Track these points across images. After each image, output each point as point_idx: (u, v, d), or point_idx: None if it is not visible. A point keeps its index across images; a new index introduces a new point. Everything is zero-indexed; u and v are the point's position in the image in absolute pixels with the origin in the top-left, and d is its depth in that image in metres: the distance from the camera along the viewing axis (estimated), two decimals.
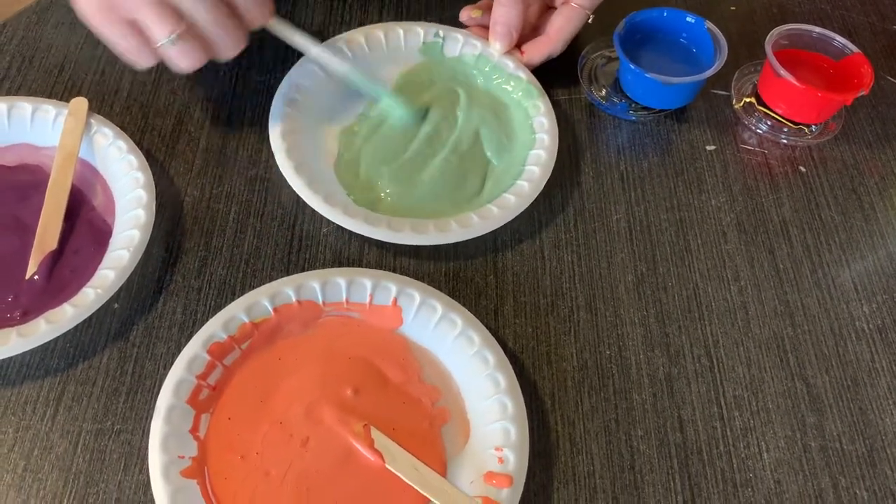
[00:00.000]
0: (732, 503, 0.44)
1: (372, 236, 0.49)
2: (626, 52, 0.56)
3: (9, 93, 0.55)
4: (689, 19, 0.59)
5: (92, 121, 0.51)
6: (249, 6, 0.47)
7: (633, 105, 0.59)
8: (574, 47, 0.62)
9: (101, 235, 0.49)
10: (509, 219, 0.50)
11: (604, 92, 0.60)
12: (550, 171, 0.52)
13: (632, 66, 0.56)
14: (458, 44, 0.58)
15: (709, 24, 0.58)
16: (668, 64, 0.59)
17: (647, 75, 0.55)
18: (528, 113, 0.55)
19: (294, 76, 0.54)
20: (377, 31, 0.57)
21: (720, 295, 0.51)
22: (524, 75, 0.56)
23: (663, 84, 0.56)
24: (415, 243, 0.49)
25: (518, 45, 0.58)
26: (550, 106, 0.55)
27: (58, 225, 0.48)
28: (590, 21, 0.57)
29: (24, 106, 0.52)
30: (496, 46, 0.56)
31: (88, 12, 0.45)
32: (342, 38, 0.57)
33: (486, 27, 0.57)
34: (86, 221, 0.50)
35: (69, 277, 0.47)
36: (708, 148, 0.58)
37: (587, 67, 0.61)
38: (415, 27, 0.58)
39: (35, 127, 0.52)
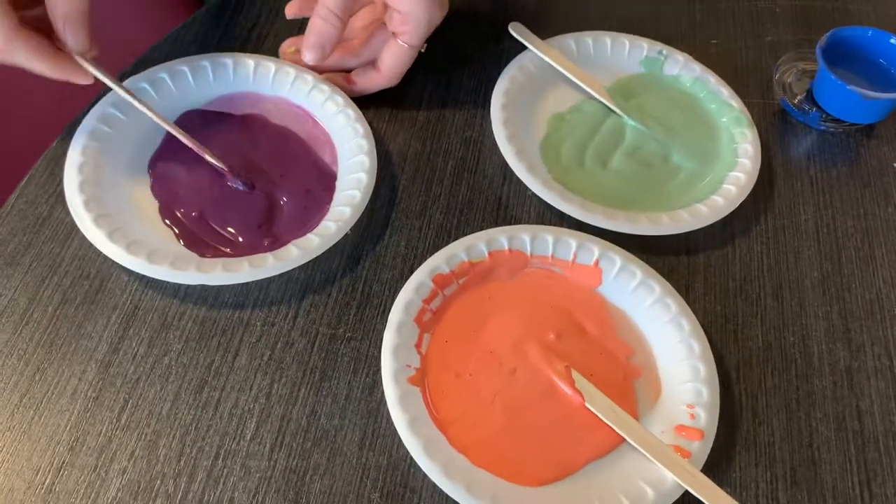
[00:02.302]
0: None
1: (567, 212, 0.53)
2: (825, 65, 0.59)
3: (259, 37, 0.62)
4: (892, 41, 0.61)
5: (324, 86, 0.57)
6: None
7: (824, 116, 0.62)
8: (769, 56, 0.65)
9: (329, 180, 0.55)
10: (696, 227, 0.53)
11: (797, 100, 0.63)
12: (746, 194, 0.55)
13: (832, 77, 0.58)
14: (677, 65, 0.62)
15: None
16: (862, 83, 0.61)
17: (848, 87, 0.58)
18: (734, 139, 0.58)
19: (523, 59, 0.60)
20: (605, 38, 0.62)
21: None
22: (736, 104, 0.59)
23: (862, 98, 0.58)
24: (604, 227, 0.53)
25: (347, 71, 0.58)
26: (757, 136, 0.58)
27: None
28: (422, 51, 0.58)
29: (248, 62, 0.58)
30: (306, 56, 0.54)
31: None
32: (571, 37, 0.62)
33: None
34: (315, 167, 0.56)
35: (304, 214, 0.53)
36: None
37: (782, 77, 0.64)
38: (640, 41, 0.62)
39: (257, 79, 0.58)
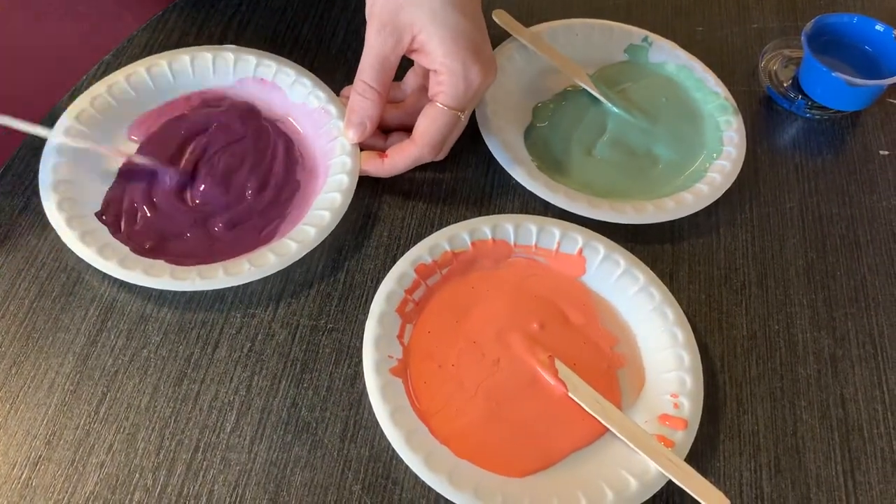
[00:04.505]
0: (891, 481, 0.45)
1: (551, 201, 0.53)
2: (811, 52, 0.59)
3: (240, 24, 0.61)
4: (878, 27, 0.61)
5: (321, 92, 0.55)
6: None
7: (810, 103, 0.61)
8: (754, 43, 0.65)
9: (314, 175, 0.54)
10: (683, 215, 0.53)
11: (782, 88, 0.62)
12: (731, 182, 0.54)
13: (818, 64, 0.58)
14: (662, 52, 0.62)
15: None
16: (848, 70, 0.61)
17: (833, 74, 0.58)
18: (719, 126, 0.58)
19: (507, 47, 0.60)
20: (590, 25, 0.62)
21: (887, 290, 0.53)
22: (721, 92, 0.59)
23: (846, 84, 0.58)
24: (588, 216, 0.52)
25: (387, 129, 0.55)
26: (743, 124, 0.57)
27: None
28: (463, 119, 0.51)
29: (250, 59, 0.56)
30: (348, 136, 0.52)
31: None
32: (555, 24, 0.61)
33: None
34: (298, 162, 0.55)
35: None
36: (882, 152, 0.60)
37: (767, 64, 0.63)
38: (625, 29, 0.62)
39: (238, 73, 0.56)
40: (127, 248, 0.48)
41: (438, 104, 0.50)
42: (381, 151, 0.53)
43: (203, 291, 0.49)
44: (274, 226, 0.51)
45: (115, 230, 0.49)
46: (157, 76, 0.55)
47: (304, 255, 0.48)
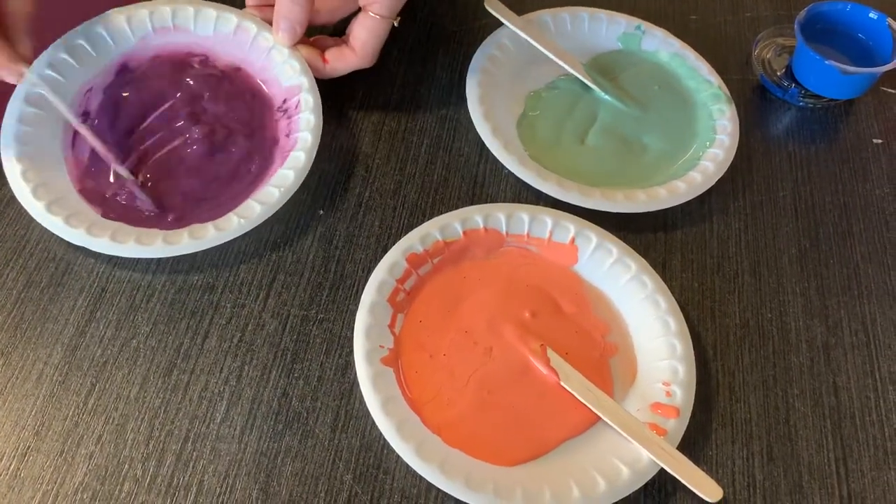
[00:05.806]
0: (883, 469, 0.45)
1: (543, 190, 0.52)
2: (804, 40, 0.58)
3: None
4: (871, 15, 0.60)
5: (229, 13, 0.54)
6: None
7: (803, 92, 0.61)
8: (748, 32, 0.65)
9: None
10: (675, 203, 0.53)
11: (776, 76, 0.62)
12: (724, 171, 0.54)
13: (811, 52, 0.58)
14: (656, 41, 0.61)
15: (891, 21, 0.60)
16: (841, 58, 0.60)
17: (826, 62, 0.57)
18: (712, 115, 0.58)
19: (500, 36, 0.59)
20: (582, 14, 0.61)
21: (880, 278, 0.53)
22: (715, 80, 0.59)
23: (839, 73, 0.58)
24: (580, 205, 0.52)
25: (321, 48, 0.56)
26: (736, 112, 0.57)
27: None
28: (396, 25, 0.53)
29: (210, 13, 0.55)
30: (278, 39, 0.53)
31: None
32: (548, 13, 0.61)
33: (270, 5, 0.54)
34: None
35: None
36: (875, 141, 0.60)
37: (761, 53, 0.63)
38: (618, 17, 0.61)
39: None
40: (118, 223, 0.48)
41: (374, 15, 0.52)
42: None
43: (193, 281, 0.48)
44: (255, 172, 0.51)
45: (105, 217, 0.49)
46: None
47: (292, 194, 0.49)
